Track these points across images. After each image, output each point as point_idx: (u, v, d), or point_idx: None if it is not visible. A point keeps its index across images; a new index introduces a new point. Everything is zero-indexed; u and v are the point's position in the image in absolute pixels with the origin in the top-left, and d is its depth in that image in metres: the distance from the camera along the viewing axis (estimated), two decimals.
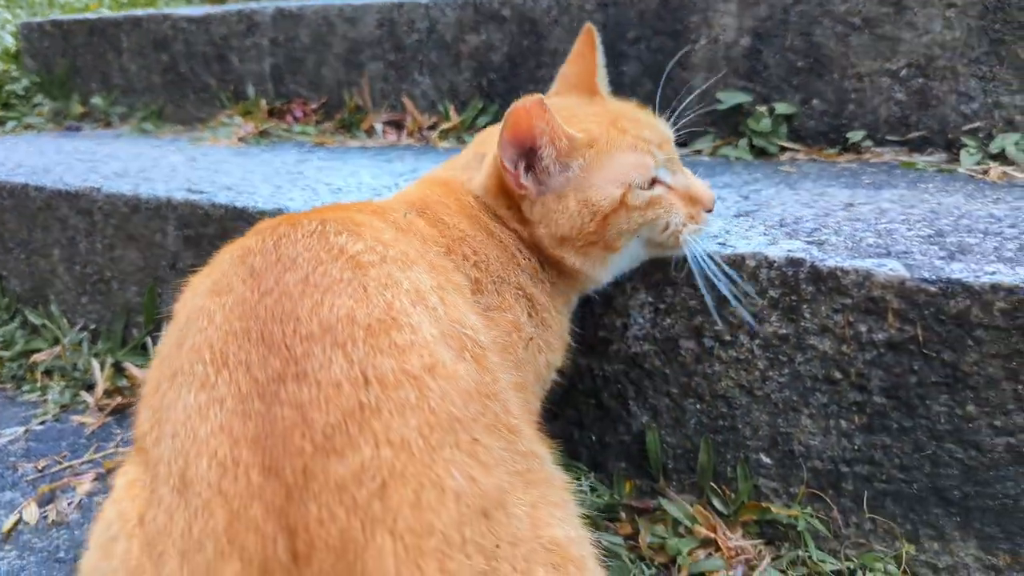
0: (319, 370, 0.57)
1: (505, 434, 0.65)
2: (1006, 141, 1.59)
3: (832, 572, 1.03)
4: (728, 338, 1.04)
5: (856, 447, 1.01)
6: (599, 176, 0.90)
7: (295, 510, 0.53)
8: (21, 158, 1.91)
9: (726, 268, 0.98)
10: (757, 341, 1.03)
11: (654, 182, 0.94)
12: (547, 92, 1.11)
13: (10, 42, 2.92)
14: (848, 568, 1.03)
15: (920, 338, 0.94)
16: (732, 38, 1.79)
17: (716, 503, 1.10)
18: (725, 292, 0.97)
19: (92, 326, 1.65)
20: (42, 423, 1.46)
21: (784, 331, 1.01)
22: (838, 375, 1.00)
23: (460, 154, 1.09)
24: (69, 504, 1.23)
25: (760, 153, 1.78)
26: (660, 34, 1.86)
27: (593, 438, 1.19)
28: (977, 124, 1.63)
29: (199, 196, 1.42)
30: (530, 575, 0.58)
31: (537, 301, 0.92)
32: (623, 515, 1.15)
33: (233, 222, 1.37)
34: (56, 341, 1.65)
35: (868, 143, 1.73)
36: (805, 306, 0.99)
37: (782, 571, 1.05)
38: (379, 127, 2.20)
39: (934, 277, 0.92)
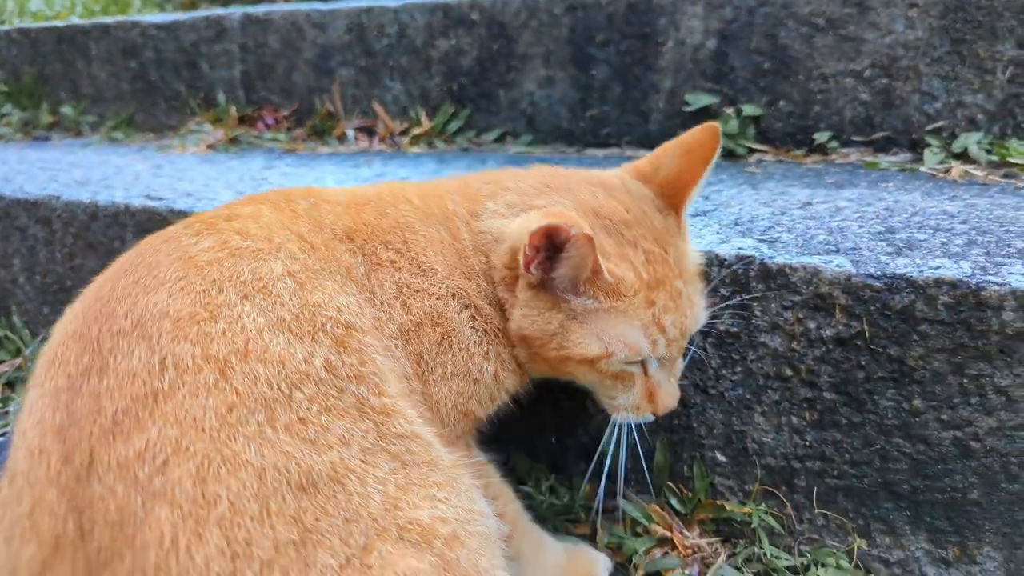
0: (119, 362, 0.63)
1: (371, 415, 0.68)
2: (968, 140, 1.60)
3: (787, 568, 1.03)
4: None
5: (808, 443, 1.01)
6: (592, 323, 0.83)
7: (82, 491, 0.58)
8: None
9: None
10: (710, 340, 1.03)
11: (639, 362, 0.87)
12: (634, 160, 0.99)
13: None
14: (802, 564, 1.03)
15: (867, 334, 0.94)
16: (699, 40, 1.80)
17: (674, 502, 1.10)
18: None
19: None
20: (3, 434, 1.45)
21: (735, 329, 1.01)
22: (789, 372, 1.00)
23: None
24: None
25: (728, 155, 1.79)
26: (628, 37, 1.87)
27: (553, 440, 1.19)
28: (940, 123, 1.65)
29: (158, 203, 1.41)
30: (370, 549, 0.60)
31: (482, 312, 0.88)
32: (583, 516, 1.15)
33: None
34: (18, 352, 1.64)
35: (834, 144, 1.74)
36: (756, 304, 0.99)
37: (737, 568, 1.04)
38: (351, 133, 2.19)
39: (879, 272, 0.92)
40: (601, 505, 1.07)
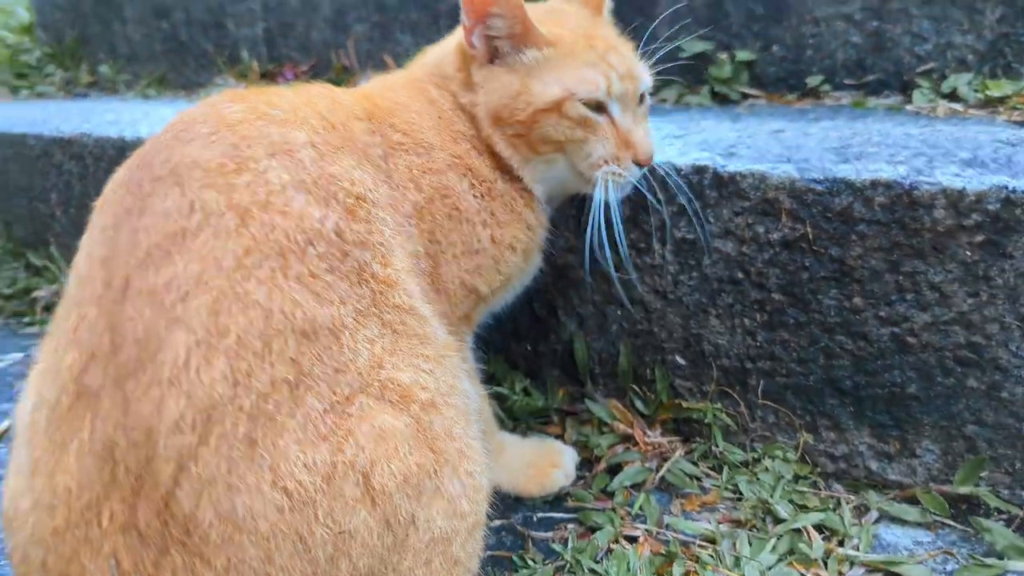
0: (155, 203, 0.70)
1: (370, 282, 0.74)
2: (959, 81, 1.62)
3: (739, 462, 1.10)
4: (643, 245, 1.12)
5: (759, 344, 1.08)
6: (548, 73, 0.94)
7: (118, 311, 0.66)
8: (24, 114, 2.05)
9: (616, 233, 1.01)
10: (668, 247, 1.10)
11: (600, 108, 0.95)
12: None
13: (24, 16, 3.06)
14: (753, 458, 1.10)
15: (810, 236, 1.00)
16: None
17: (638, 404, 1.18)
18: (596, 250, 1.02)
19: None
20: None
21: (691, 236, 1.08)
22: (740, 275, 1.06)
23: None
24: None
25: (723, 100, 1.83)
26: None
27: (529, 347, 1.27)
28: (931, 65, 1.67)
29: None
30: (352, 399, 0.68)
31: (479, 173, 0.97)
32: (555, 418, 1.24)
33: None
34: (56, 280, 1.78)
35: (826, 87, 1.77)
36: (709, 210, 1.06)
37: (693, 463, 1.12)
38: None
39: (821, 177, 0.98)
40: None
